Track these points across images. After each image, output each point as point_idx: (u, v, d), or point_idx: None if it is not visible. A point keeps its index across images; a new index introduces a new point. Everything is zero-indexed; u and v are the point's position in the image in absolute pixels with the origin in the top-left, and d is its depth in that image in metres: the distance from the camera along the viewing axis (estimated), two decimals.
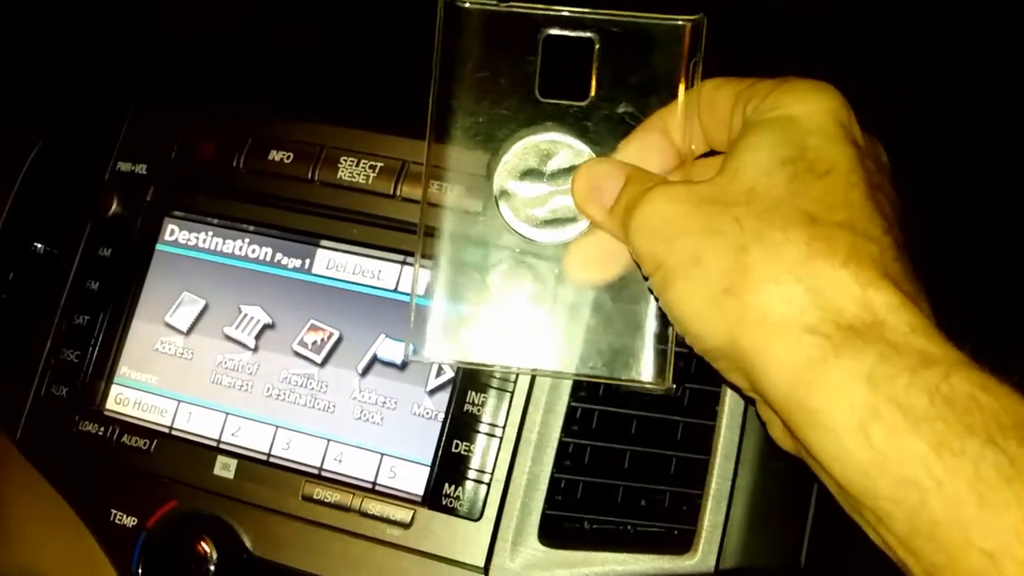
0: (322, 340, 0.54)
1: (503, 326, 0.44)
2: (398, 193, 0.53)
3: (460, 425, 0.49)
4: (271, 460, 0.52)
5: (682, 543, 0.48)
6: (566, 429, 0.49)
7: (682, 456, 0.49)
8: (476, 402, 0.49)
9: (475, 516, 0.48)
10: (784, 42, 0.60)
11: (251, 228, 0.56)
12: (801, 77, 0.36)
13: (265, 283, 0.55)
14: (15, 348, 0.58)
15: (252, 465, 0.52)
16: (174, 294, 0.56)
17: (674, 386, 0.49)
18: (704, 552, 0.47)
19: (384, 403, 0.52)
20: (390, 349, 0.53)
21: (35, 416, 0.56)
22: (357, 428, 0.52)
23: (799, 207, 0.32)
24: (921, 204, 0.40)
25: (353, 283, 0.54)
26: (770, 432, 0.37)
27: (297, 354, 0.54)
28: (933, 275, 0.35)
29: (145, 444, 0.53)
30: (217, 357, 0.55)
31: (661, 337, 0.41)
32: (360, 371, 0.53)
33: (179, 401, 0.55)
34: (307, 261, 0.55)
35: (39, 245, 0.60)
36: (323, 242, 0.55)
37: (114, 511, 0.52)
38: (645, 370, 0.42)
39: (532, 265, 0.44)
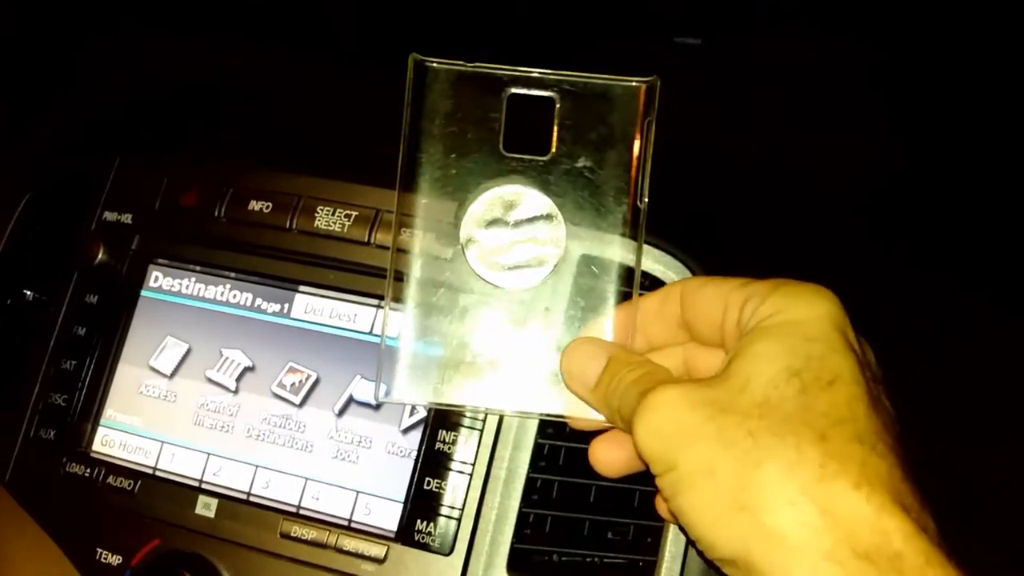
0: (300, 382, 0.56)
1: (470, 368, 0.46)
2: (372, 240, 0.55)
3: (432, 463, 0.52)
4: (251, 499, 0.54)
5: (645, 574, 0.50)
6: (534, 465, 0.51)
7: (644, 490, 0.51)
8: (447, 440, 0.52)
9: (446, 551, 0.50)
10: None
11: (232, 275, 0.58)
12: (794, 280, 0.37)
13: (245, 327, 0.58)
14: (4, 392, 0.60)
15: (232, 504, 0.54)
16: (158, 338, 0.59)
17: None
18: None
19: (360, 442, 0.54)
20: (365, 390, 0.55)
21: (24, 458, 0.58)
22: (334, 467, 0.54)
23: (809, 423, 0.32)
24: None
25: (330, 326, 0.56)
26: None
27: (276, 395, 0.56)
28: None
29: (129, 485, 0.55)
30: (199, 399, 0.57)
31: None
32: (337, 411, 0.55)
33: (163, 442, 0.57)
34: (286, 306, 0.57)
35: (28, 292, 0.62)
36: (301, 287, 0.57)
37: (100, 550, 0.54)
38: None
39: (497, 309, 0.47)
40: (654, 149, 0.45)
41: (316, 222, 0.56)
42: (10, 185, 0.65)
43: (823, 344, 0.35)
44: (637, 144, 0.46)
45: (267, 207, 0.57)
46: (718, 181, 0.63)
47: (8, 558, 0.57)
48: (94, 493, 0.56)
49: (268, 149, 0.62)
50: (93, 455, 0.57)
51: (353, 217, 0.56)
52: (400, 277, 0.54)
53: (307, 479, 0.54)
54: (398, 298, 0.46)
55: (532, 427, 0.51)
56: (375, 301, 0.56)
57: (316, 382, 0.56)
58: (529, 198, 0.47)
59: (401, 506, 0.52)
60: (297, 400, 0.56)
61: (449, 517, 0.51)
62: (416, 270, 0.47)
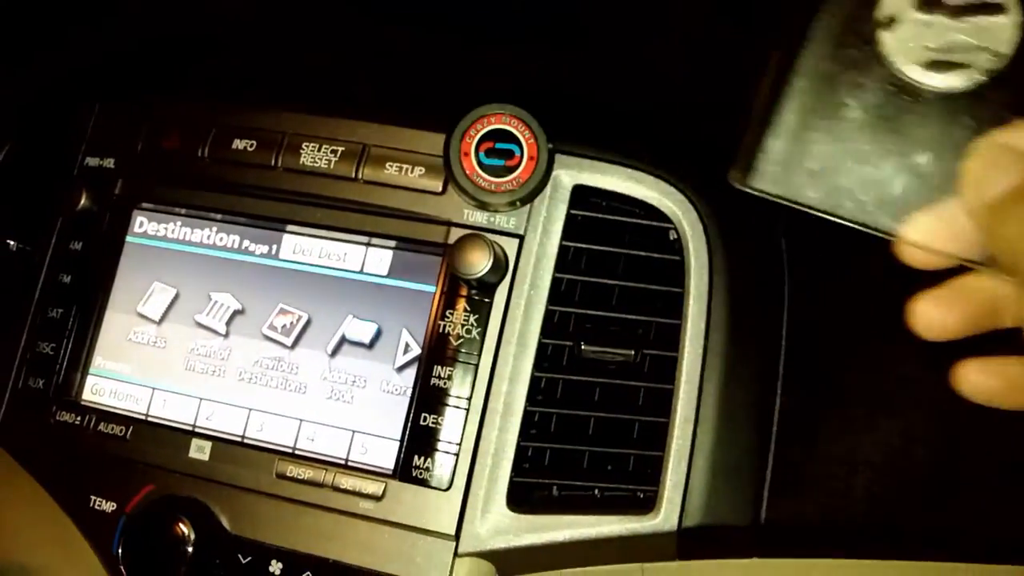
0: (291, 323, 0.55)
1: (850, 171, 0.35)
2: (360, 176, 0.54)
3: (428, 399, 0.51)
4: (245, 441, 0.53)
5: (646, 504, 0.49)
6: (531, 398, 0.50)
7: (644, 420, 0.50)
8: (443, 376, 0.51)
9: (444, 486, 0.49)
10: None
11: (218, 217, 0.57)
12: None
13: (234, 270, 0.56)
14: None
15: (227, 446, 0.53)
16: (145, 285, 0.57)
17: (632, 352, 0.50)
18: (667, 511, 0.48)
19: (354, 382, 0.53)
20: (358, 329, 0.54)
21: (13, 408, 0.57)
22: (328, 407, 0.53)
23: None
24: None
25: (320, 266, 0.55)
26: None
27: (267, 338, 0.55)
28: None
29: (121, 431, 0.54)
30: (189, 344, 0.56)
31: None
32: (329, 352, 0.54)
33: (154, 389, 0.56)
34: (274, 247, 0.56)
35: (12, 242, 0.61)
36: (289, 227, 0.56)
37: (93, 498, 0.53)
38: None
39: (904, 110, 0.35)
40: None
41: (302, 159, 0.55)
42: None
43: None
44: None
45: (251, 145, 0.56)
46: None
47: (1, 509, 0.56)
48: (85, 441, 0.55)
49: (251, 86, 0.61)
50: (84, 403, 0.56)
51: (340, 153, 0.54)
52: (389, 213, 0.53)
53: (302, 420, 0.53)
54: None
55: (529, 360, 0.50)
56: (364, 239, 0.55)
57: (307, 323, 0.55)
58: None
59: (397, 443, 0.51)
60: (289, 342, 0.55)
61: (447, 452, 0.50)
62: (813, 46, 0.35)
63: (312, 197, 0.55)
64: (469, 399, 0.50)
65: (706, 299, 0.51)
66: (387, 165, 0.54)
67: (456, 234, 0.52)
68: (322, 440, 0.53)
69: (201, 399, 0.55)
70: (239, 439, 0.53)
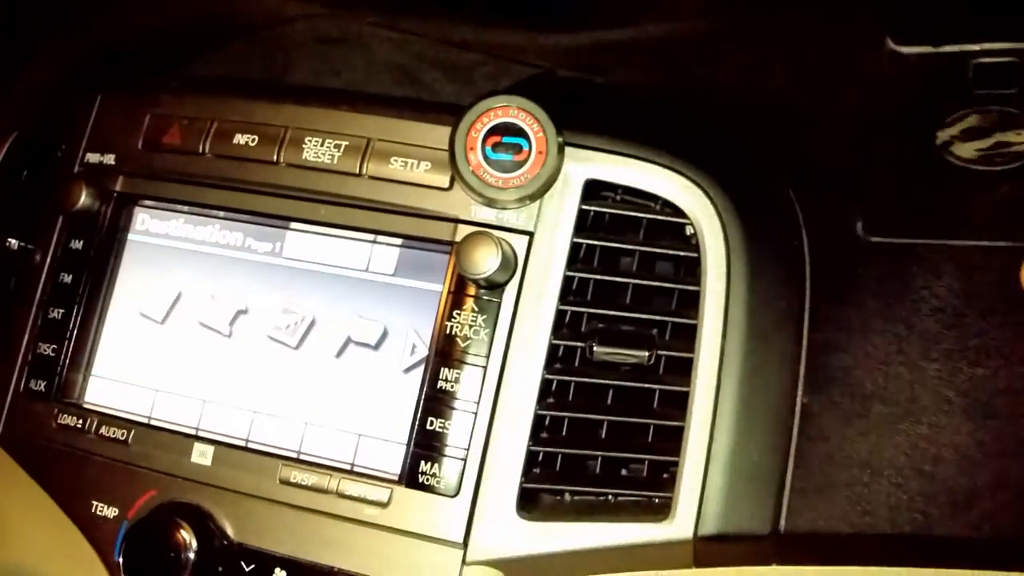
0: (296, 323, 0.53)
1: None
2: (364, 171, 0.52)
3: (435, 402, 0.49)
4: (249, 445, 0.52)
5: (661, 510, 0.47)
6: (541, 401, 0.49)
7: (659, 424, 0.49)
8: (450, 378, 0.49)
9: (452, 492, 0.48)
10: None
11: (221, 214, 0.56)
12: None
13: (237, 268, 0.55)
14: None
15: (229, 451, 0.52)
16: (147, 284, 0.56)
17: (646, 354, 0.49)
18: (682, 518, 0.46)
19: (360, 384, 0.52)
20: (364, 329, 0.52)
21: (15, 411, 0.56)
22: (334, 410, 0.52)
23: None
24: None
25: (324, 264, 0.54)
26: None
27: (271, 338, 0.53)
28: None
29: (123, 435, 0.53)
30: (192, 345, 0.55)
31: None
32: (335, 353, 0.52)
33: (156, 390, 0.55)
34: (278, 245, 0.55)
35: (13, 241, 0.60)
36: (292, 225, 0.54)
37: (95, 503, 0.52)
38: None
39: None
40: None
41: (304, 154, 0.53)
42: None
43: None
44: None
45: (253, 140, 0.54)
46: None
47: (3, 512, 0.56)
48: (88, 444, 0.54)
49: (252, 80, 0.59)
50: (86, 406, 0.55)
51: (343, 147, 0.53)
52: (394, 210, 0.52)
53: (307, 423, 0.52)
54: None
55: (539, 362, 0.49)
56: (370, 237, 0.53)
57: (312, 323, 0.53)
58: None
59: (404, 448, 0.50)
60: (293, 342, 0.53)
61: (454, 457, 0.48)
62: None
63: (316, 193, 0.53)
64: (477, 402, 0.49)
65: (723, 297, 0.49)
66: (392, 160, 0.52)
67: (463, 231, 0.50)
68: (327, 443, 0.51)
69: (204, 401, 0.54)
70: (243, 442, 0.52)
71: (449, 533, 0.48)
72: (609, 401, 0.50)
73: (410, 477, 0.49)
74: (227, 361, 0.54)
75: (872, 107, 0.56)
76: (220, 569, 0.49)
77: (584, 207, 0.50)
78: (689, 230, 0.51)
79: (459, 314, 0.50)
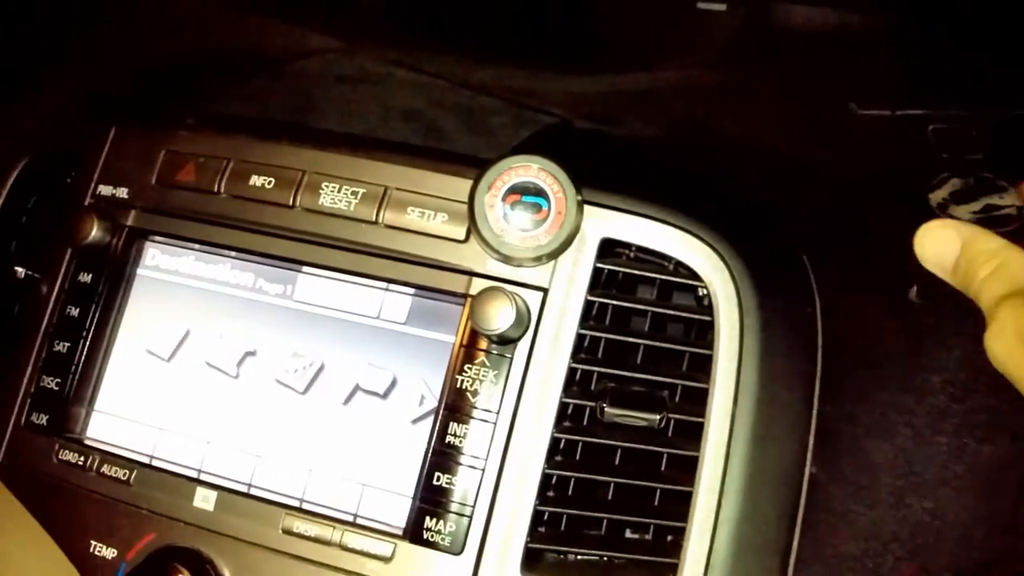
0: (304, 368, 0.53)
1: None
2: (380, 220, 0.52)
3: (442, 457, 0.49)
4: (252, 491, 0.52)
5: (666, 574, 0.47)
6: (549, 459, 0.49)
7: (666, 488, 0.49)
8: (458, 433, 0.49)
9: (457, 550, 0.48)
10: None
11: (232, 254, 0.55)
12: None
13: (247, 309, 0.55)
14: None
15: (232, 497, 0.51)
16: (155, 320, 0.56)
17: (657, 418, 0.48)
18: None
19: (367, 433, 0.51)
20: (373, 377, 0.52)
21: (16, 444, 0.55)
22: (339, 458, 0.51)
23: None
24: None
25: (335, 310, 0.53)
26: None
27: (279, 382, 0.53)
28: None
29: (125, 474, 0.53)
30: (198, 385, 0.54)
31: None
32: (343, 400, 0.52)
33: (160, 429, 0.54)
34: (289, 287, 0.54)
35: (20, 269, 0.60)
36: (305, 268, 0.54)
37: (94, 542, 0.52)
38: None
39: None
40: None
41: (320, 199, 0.53)
42: (4, 151, 0.62)
43: None
44: None
45: (269, 183, 0.54)
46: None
47: (2, 550, 0.55)
48: (88, 482, 0.53)
49: (271, 121, 0.59)
50: (88, 442, 0.55)
51: (360, 194, 0.53)
52: (408, 259, 0.51)
53: (311, 470, 0.51)
54: None
55: (549, 420, 0.49)
56: (383, 284, 0.53)
57: (321, 368, 0.53)
58: None
59: (410, 501, 0.49)
60: (301, 387, 0.53)
61: (460, 515, 0.48)
62: None
63: (330, 239, 0.53)
64: (485, 458, 0.48)
65: (735, 362, 0.49)
66: (409, 210, 0.52)
67: (478, 284, 0.50)
68: (331, 492, 0.51)
69: (208, 442, 0.53)
70: (246, 487, 0.52)
71: None
72: (617, 462, 0.49)
73: (414, 532, 0.48)
74: (233, 403, 0.53)
75: (861, 168, 0.57)
76: None
77: (599, 265, 0.50)
78: (702, 291, 0.51)
79: (470, 368, 0.50)
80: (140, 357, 0.55)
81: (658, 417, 0.48)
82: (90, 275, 0.57)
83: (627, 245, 0.51)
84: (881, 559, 0.48)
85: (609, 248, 0.51)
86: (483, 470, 0.48)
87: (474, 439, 0.49)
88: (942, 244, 0.42)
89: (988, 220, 0.52)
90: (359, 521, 0.50)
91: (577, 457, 0.50)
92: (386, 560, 0.48)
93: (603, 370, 0.50)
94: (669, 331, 0.52)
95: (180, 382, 0.55)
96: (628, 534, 0.50)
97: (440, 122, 0.58)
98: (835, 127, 0.56)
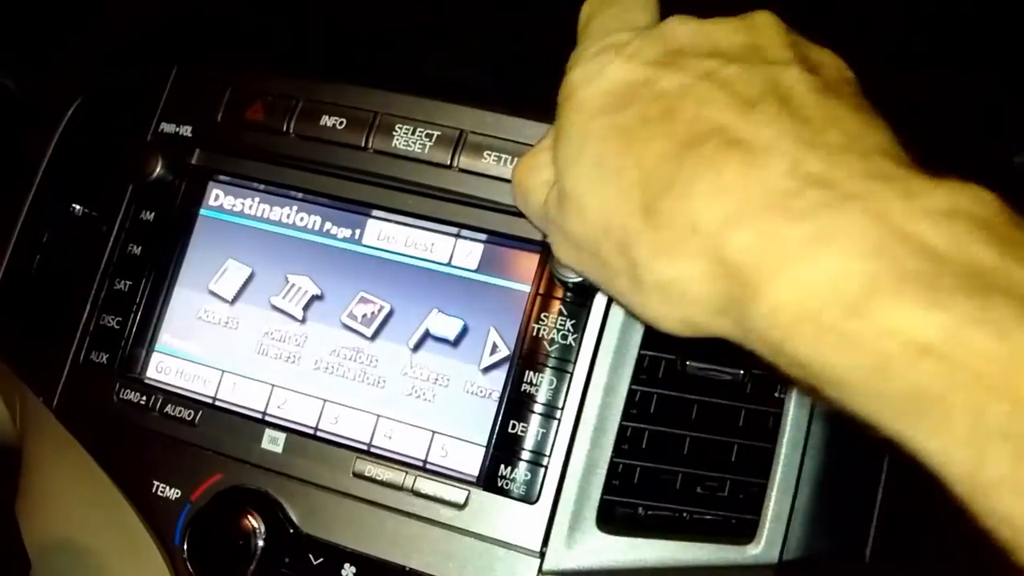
0: (372, 313, 0.52)
1: None
2: (455, 164, 0.51)
3: (517, 405, 0.48)
4: (318, 434, 0.51)
5: (742, 532, 0.46)
6: (626, 412, 0.48)
7: (743, 443, 0.48)
8: (534, 382, 0.48)
9: (532, 499, 0.47)
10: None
11: (299, 195, 0.54)
12: None
13: (313, 253, 0.54)
14: (52, 313, 0.56)
15: (302, 439, 0.50)
16: (219, 261, 0.55)
17: (741, 372, 0.48)
18: (768, 542, 0.45)
19: (436, 380, 0.50)
20: (443, 324, 0.51)
21: (73, 383, 0.54)
22: (408, 405, 0.50)
23: None
24: None
25: (405, 255, 0.52)
26: None
27: (346, 327, 0.52)
28: None
29: (189, 415, 0.52)
30: (263, 327, 0.53)
31: None
32: (412, 346, 0.51)
33: (223, 371, 0.53)
34: (357, 231, 0.53)
35: (77, 207, 0.59)
36: (374, 212, 0.53)
37: (156, 483, 0.51)
38: None
39: None
40: None
41: (394, 141, 0.52)
42: (60, 92, 0.61)
43: None
44: None
45: (340, 123, 0.53)
46: None
47: (56, 489, 0.54)
48: (150, 422, 0.52)
49: (342, 59, 0.58)
50: (148, 381, 0.54)
51: (435, 137, 0.51)
52: (483, 205, 0.50)
53: (379, 416, 0.51)
54: None
55: (626, 371, 0.48)
56: (455, 230, 0.52)
57: (390, 314, 0.52)
58: None
59: (482, 449, 0.48)
60: (369, 332, 0.52)
61: (535, 464, 0.47)
62: None
63: (402, 182, 0.52)
64: (562, 408, 0.48)
65: None
66: (485, 154, 0.51)
67: None
68: (400, 439, 0.50)
69: (273, 386, 0.52)
70: (313, 429, 0.51)
71: (527, 541, 0.47)
72: (694, 416, 0.49)
73: (488, 480, 0.48)
74: (299, 346, 0.53)
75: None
76: (287, 560, 0.48)
77: None
78: None
79: (546, 316, 0.49)
80: (202, 298, 0.54)
81: (741, 372, 0.48)
82: (152, 214, 0.55)
83: None
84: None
85: None
86: (559, 420, 0.47)
87: (550, 388, 0.48)
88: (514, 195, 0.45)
89: None
90: (429, 467, 0.49)
91: (651, 410, 0.49)
92: (459, 507, 0.47)
93: None
94: None
95: (244, 324, 0.54)
96: (699, 490, 0.49)
97: (514, 69, 0.56)
98: None
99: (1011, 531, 0.25)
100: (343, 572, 0.48)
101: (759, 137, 0.31)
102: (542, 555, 0.46)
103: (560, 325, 0.48)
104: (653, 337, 0.49)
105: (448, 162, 0.51)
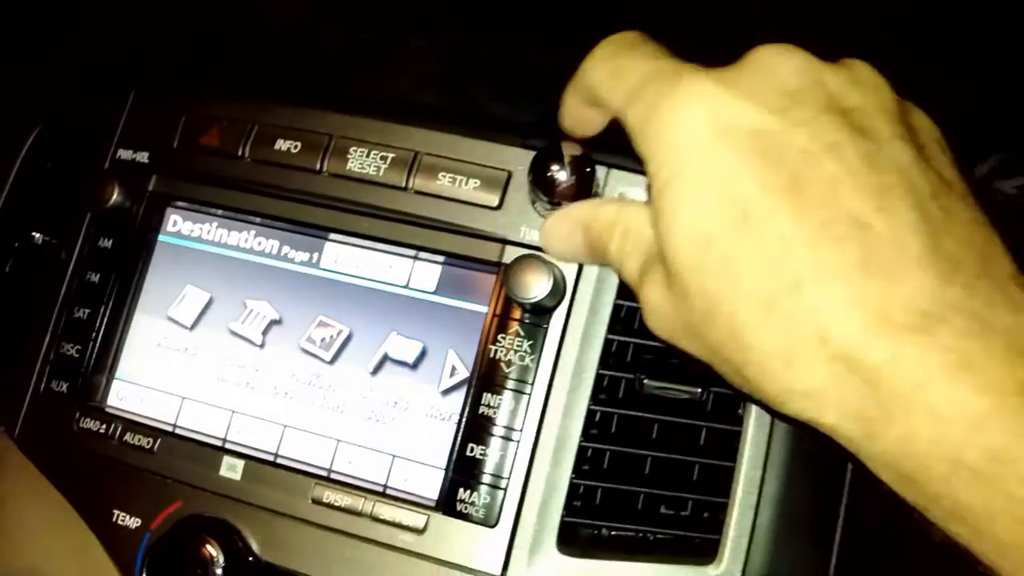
0: (331, 337, 0.52)
1: None
2: (410, 185, 0.51)
3: (475, 428, 0.48)
4: (278, 460, 0.50)
5: (704, 551, 0.46)
6: (585, 433, 0.47)
7: (705, 462, 0.47)
8: (492, 404, 0.48)
9: (491, 522, 0.46)
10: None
11: (257, 220, 0.54)
12: None
13: (272, 277, 0.53)
14: (12, 341, 0.56)
15: (259, 466, 0.50)
16: (178, 287, 0.54)
17: (700, 390, 0.47)
18: (729, 562, 0.45)
19: (396, 403, 0.50)
20: (401, 347, 0.51)
21: (34, 412, 0.54)
22: (368, 429, 0.50)
23: None
24: None
25: (363, 278, 0.52)
26: None
27: (305, 351, 0.52)
28: None
29: (148, 443, 0.51)
30: (222, 353, 0.53)
31: None
32: (371, 370, 0.51)
33: (183, 398, 0.53)
34: (315, 255, 0.53)
35: (37, 234, 0.58)
36: (332, 235, 0.53)
37: (117, 512, 0.51)
38: None
39: None
40: None
41: (349, 164, 0.52)
42: (18, 120, 0.60)
43: None
44: None
45: (295, 147, 0.52)
46: None
47: (18, 517, 0.54)
48: (110, 451, 0.52)
49: (296, 86, 0.57)
50: (108, 410, 0.53)
51: (390, 159, 0.51)
52: (439, 226, 0.50)
53: (339, 441, 0.50)
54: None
55: (585, 391, 0.47)
56: (411, 252, 0.51)
57: (348, 338, 0.52)
58: None
59: (442, 472, 0.48)
60: (328, 356, 0.52)
61: (494, 486, 0.47)
62: None
63: (358, 205, 0.52)
64: (520, 430, 0.47)
65: None
66: (440, 175, 0.50)
67: (511, 252, 0.49)
68: (360, 463, 0.50)
69: (233, 412, 0.52)
70: (272, 456, 0.51)
71: (487, 565, 0.46)
72: (654, 436, 0.48)
73: (448, 504, 0.47)
74: (258, 372, 0.52)
75: None
76: None
77: None
78: None
79: (504, 338, 0.48)
80: (162, 325, 0.54)
81: (700, 390, 0.47)
82: (110, 240, 0.55)
83: None
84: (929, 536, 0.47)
85: None
86: (518, 442, 0.47)
87: (508, 410, 0.48)
88: (566, 238, 0.44)
89: None
90: (389, 492, 0.49)
91: (612, 430, 0.49)
92: (419, 532, 0.47)
93: (641, 341, 0.49)
94: None
95: (203, 351, 0.53)
96: (663, 509, 0.49)
97: (472, 90, 0.56)
98: None
99: None
100: None
101: (895, 240, 0.29)
102: None
103: (517, 346, 0.48)
104: (611, 357, 0.48)
105: (403, 184, 0.51)
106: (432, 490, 0.48)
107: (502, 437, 0.47)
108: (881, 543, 0.46)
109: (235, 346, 0.53)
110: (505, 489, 0.47)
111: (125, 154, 0.56)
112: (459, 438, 0.48)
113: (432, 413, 0.49)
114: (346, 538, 0.48)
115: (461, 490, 0.47)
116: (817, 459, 0.47)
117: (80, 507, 0.52)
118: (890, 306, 0.28)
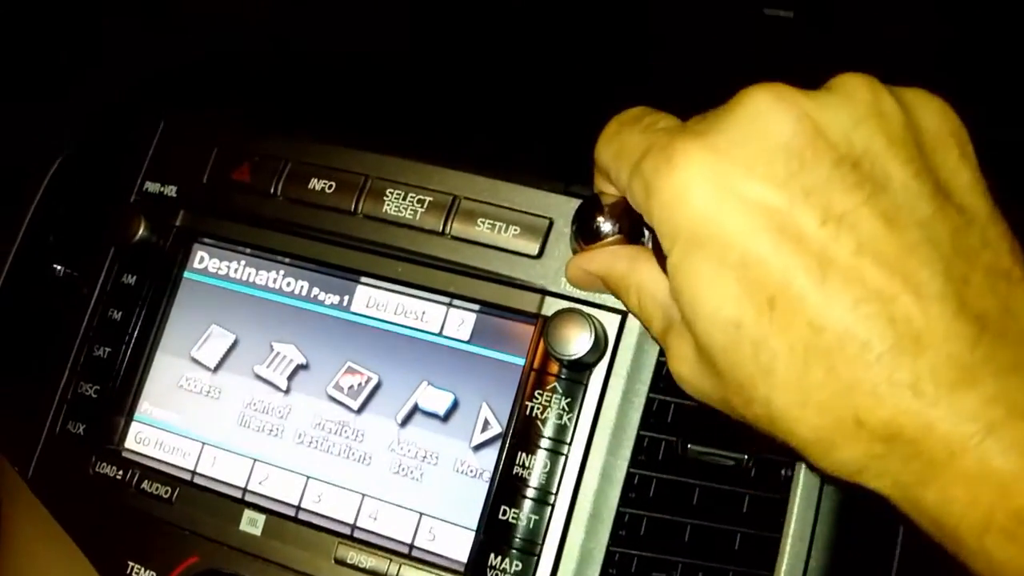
0: (359, 384, 0.50)
1: None
2: (448, 231, 0.49)
3: (508, 489, 0.45)
4: (300, 514, 0.48)
5: None
6: (623, 497, 0.45)
7: (747, 532, 0.45)
8: (527, 464, 0.45)
9: None
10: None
11: (287, 260, 0.52)
12: None
13: (300, 320, 0.51)
14: (29, 379, 0.54)
15: (281, 522, 0.48)
16: (202, 327, 0.53)
17: (745, 456, 0.45)
18: None
19: (425, 457, 0.48)
20: (432, 398, 0.49)
21: (49, 454, 0.52)
22: (395, 483, 0.48)
23: None
24: None
25: (394, 323, 0.50)
26: None
27: (332, 398, 0.50)
28: None
29: (167, 492, 0.49)
30: (246, 397, 0.51)
31: None
32: (399, 421, 0.49)
33: (203, 443, 0.51)
34: (346, 298, 0.51)
35: (59, 267, 0.57)
36: (363, 279, 0.51)
37: (131, 563, 0.49)
38: None
39: None
40: None
41: (384, 207, 0.50)
42: (42, 148, 0.59)
43: None
44: None
45: (329, 187, 0.51)
46: None
47: (30, 562, 0.52)
48: (126, 498, 0.50)
49: (332, 122, 0.56)
50: (126, 454, 0.52)
51: (427, 203, 0.49)
52: (476, 274, 0.48)
53: (364, 495, 0.48)
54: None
55: (625, 454, 0.45)
56: (446, 299, 0.50)
57: (377, 386, 0.50)
58: None
59: (472, 534, 0.46)
60: (355, 405, 0.50)
61: (527, 552, 0.45)
62: None
63: (392, 249, 0.50)
64: (556, 493, 0.45)
65: None
66: (479, 221, 0.49)
67: (551, 304, 0.47)
68: (385, 520, 0.48)
69: (255, 460, 0.50)
70: (294, 510, 0.48)
71: None
72: (695, 502, 0.46)
73: (477, 569, 0.45)
74: (282, 418, 0.50)
75: None
76: None
77: None
78: None
79: (540, 393, 0.46)
80: (184, 365, 0.52)
81: (745, 456, 0.45)
82: (134, 276, 0.53)
83: None
84: None
85: None
86: (553, 505, 0.45)
87: (544, 471, 0.45)
88: (589, 285, 0.45)
89: None
90: (415, 553, 0.47)
91: (651, 495, 0.46)
92: None
93: (685, 402, 0.46)
94: None
95: (226, 394, 0.51)
96: None
97: (513, 130, 0.54)
98: None
99: None
100: None
101: (923, 313, 0.29)
102: None
103: (555, 403, 0.46)
104: (652, 417, 0.46)
105: (440, 229, 0.49)
106: (461, 553, 0.46)
107: (537, 500, 0.45)
108: None
109: (259, 390, 0.51)
110: (538, 555, 0.44)
111: (152, 187, 0.55)
112: (491, 499, 0.46)
113: (462, 469, 0.47)
114: None
115: (492, 555, 0.45)
116: (865, 537, 0.45)
117: (93, 556, 0.50)
118: (921, 382, 0.28)
